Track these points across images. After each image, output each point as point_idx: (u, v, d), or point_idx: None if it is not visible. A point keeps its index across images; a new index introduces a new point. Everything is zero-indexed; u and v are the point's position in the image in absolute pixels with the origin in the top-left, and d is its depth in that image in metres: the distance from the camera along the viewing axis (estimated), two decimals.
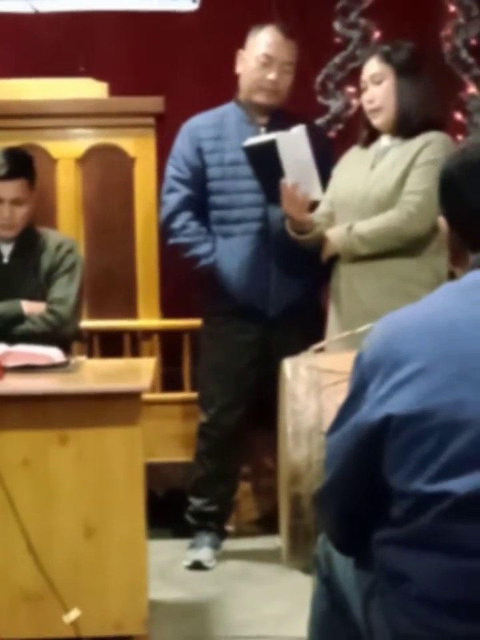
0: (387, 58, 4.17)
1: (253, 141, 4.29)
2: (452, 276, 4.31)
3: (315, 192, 4.28)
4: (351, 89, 5.21)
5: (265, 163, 4.24)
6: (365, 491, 2.06)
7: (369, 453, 1.99)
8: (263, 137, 4.30)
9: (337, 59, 5.26)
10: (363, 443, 1.99)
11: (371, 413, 1.96)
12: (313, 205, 4.31)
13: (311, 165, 4.24)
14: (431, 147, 4.09)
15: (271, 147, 4.20)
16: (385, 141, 4.23)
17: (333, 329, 4.21)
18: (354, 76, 5.06)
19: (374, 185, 4.14)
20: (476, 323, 1.94)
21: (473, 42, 5.27)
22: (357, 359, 2.07)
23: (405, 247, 4.11)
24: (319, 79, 5.26)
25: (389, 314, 2.09)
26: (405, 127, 4.15)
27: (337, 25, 5.25)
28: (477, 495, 1.84)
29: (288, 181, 4.21)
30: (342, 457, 2.08)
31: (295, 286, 4.55)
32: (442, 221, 2.17)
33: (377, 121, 4.20)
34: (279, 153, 4.18)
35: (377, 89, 4.17)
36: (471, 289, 2.02)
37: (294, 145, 4.22)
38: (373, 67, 4.20)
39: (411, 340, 1.97)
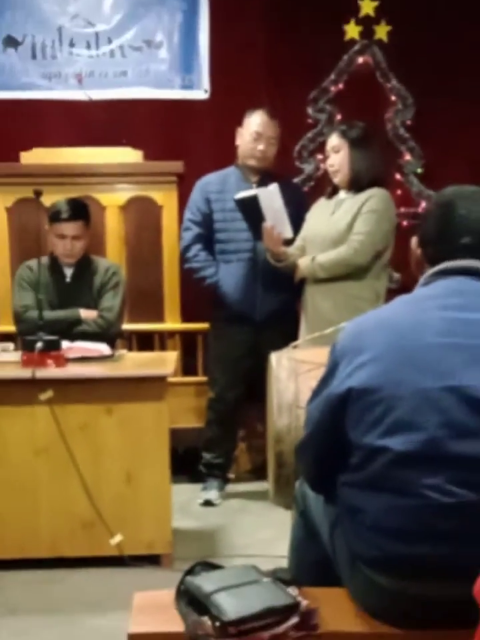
0: (343, 134, 4.16)
1: (241, 194, 4.29)
2: (391, 292, 4.34)
3: (286, 232, 4.29)
4: (319, 156, 5.19)
5: (251, 210, 4.26)
6: (332, 445, 2.06)
7: (336, 416, 2.00)
8: (249, 192, 4.29)
9: (309, 134, 5.25)
10: (332, 408, 2.01)
11: (338, 386, 1.99)
12: (288, 241, 4.31)
13: (283, 212, 4.25)
14: (373, 200, 4.08)
15: (254, 200, 4.22)
16: (342, 194, 4.21)
17: (303, 332, 4.21)
18: (322, 147, 5.03)
19: (332, 228, 4.13)
20: (417, 324, 1.96)
21: (408, 122, 5.26)
22: (332, 348, 2.10)
23: (352, 272, 4.09)
24: (296, 148, 5.24)
25: (356, 318, 2.12)
26: (356, 185, 4.14)
27: (310, 110, 5.24)
28: (410, 451, 1.85)
29: (267, 224, 4.22)
30: (317, 418, 2.10)
31: (275, 299, 4.54)
32: (414, 241, 2.19)
33: (336, 180, 4.19)
34: (260, 204, 4.20)
35: (336, 156, 4.16)
36: (417, 300, 2.05)
37: (270, 198, 4.22)
38: (333, 140, 4.19)
39: (370, 335, 2.00)
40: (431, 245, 2.11)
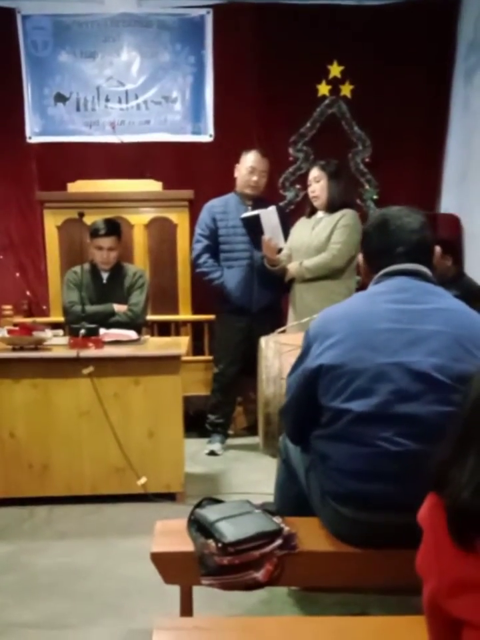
0: (322, 167, 4.14)
1: (246, 214, 4.30)
2: (359, 289, 4.35)
3: (281, 243, 4.28)
4: (298, 186, 5.18)
5: (253, 226, 4.25)
6: (307, 408, 2.07)
7: (310, 386, 2.01)
8: (252, 212, 4.29)
9: (290, 169, 5.23)
10: (307, 380, 2.02)
11: (311, 363, 1.99)
12: (280, 250, 4.30)
13: (279, 228, 4.25)
14: (346, 217, 4.07)
15: (256, 218, 4.22)
16: (320, 214, 4.19)
17: (291, 319, 4.20)
18: (300, 179, 5.06)
19: (314, 239, 4.12)
20: (371, 314, 1.96)
21: (367, 160, 5.25)
22: (306, 333, 2.11)
23: (330, 274, 4.09)
24: (281, 180, 5.23)
25: (325, 309, 2.12)
26: (331, 207, 4.12)
27: (291, 150, 5.22)
28: (366, 411, 1.87)
29: (266, 237, 4.22)
30: (295, 388, 2.10)
31: (267, 296, 4.51)
32: (360, 256, 2.18)
33: (316, 203, 4.17)
34: (261, 222, 4.20)
35: (317, 185, 4.14)
36: (371, 296, 2.05)
37: (269, 217, 4.22)
38: (314, 172, 4.17)
39: (335, 322, 2.00)
40: (375, 257, 2.11)
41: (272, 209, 4.25)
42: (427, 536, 1.33)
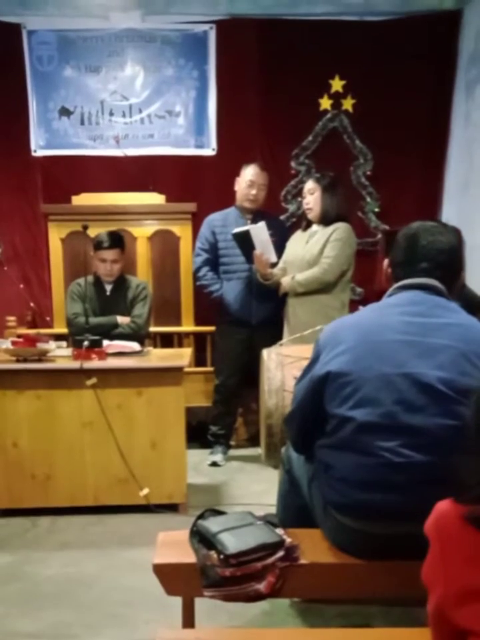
0: (317, 180, 4.15)
1: (236, 230, 4.30)
2: (355, 303, 4.34)
3: (272, 257, 4.29)
4: (300, 199, 5.17)
5: (244, 241, 4.27)
6: (313, 416, 2.07)
7: (317, 393, 2.02)
8: (243, 228, 4.29)
9: (292, 182, 5.22)
10: (314, 386, 2.02)
11: (320, 370, 2.00)
12: (273, 264, 4.30)
13: (269, 242, 4.26)
14: (338, 231, 4.08)
15: (247, 233, 4.24)
16: (314, 227, 4.20)
17: (286, 333, 4.21)
18: (302, 192, 5.05)
19: (307, 253, 4.12)
20: (381, 325, 1.97)
21: (368, 173, 5.25)
22: (316, 342, 2.12)
23: (323, 287, 4.09)
24: (282, 193, 5.23)
25: (337, 319, 2.15)
26: (325, 220, 4.13)
27: (293, 163, 5.22)
28: (371, 421, 1.87)
29: (257, 251, 4.23)
30: (302, 395, 2.10)
31: (266, 308, 4.51)
32: (386, 262, 2.18)
33: (310, 216, 4.18)
34: (251, 237, 4.22)
35: (311, 197, 4.15)
36: (383, 308, 2.06)
37: (259, 232, 4.24)
38: (309, 185, 4.18)
39: (345, 332, 2.01)
40: (398, 267, 2.11)
41: (261, 225, 4.27)
42: (433, 546, 1.32)
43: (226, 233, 4.53)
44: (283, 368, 3.04)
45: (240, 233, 4.27)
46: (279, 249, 4.33)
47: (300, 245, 4.21)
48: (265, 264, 4.27)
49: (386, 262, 2.19)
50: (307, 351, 2.32)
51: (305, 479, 2.22)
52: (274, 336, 4.01)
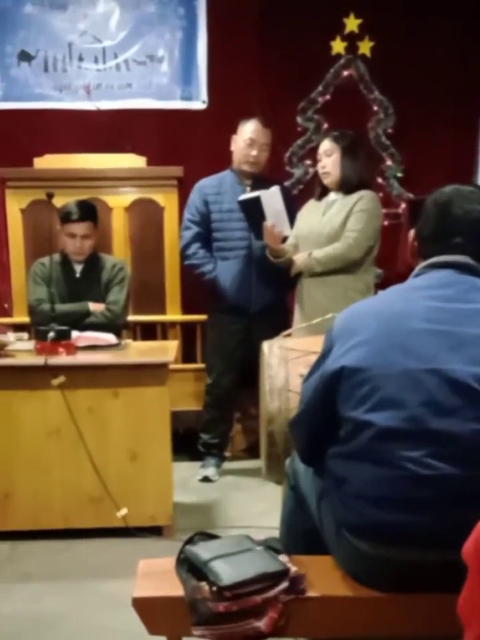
0: (336, 140, 4.14)
1: (244, 196, 4.28)
2: (377, 285, 4.34)
3: (286, 230, 4.27)
4: (308, 162, 5.18)
5: (253, 211, 4.23)
6: (323, 419, 2.06)
7: (329, 391, 2.01)
8: (251, 194, 4.27)
9: (299, 142, 5.23)
10: (326, 384, 2.01)
11: (332, 364, 1.99)
12: (285, 239, 4.29)
13: (283, 212, 4.23)
14: (363, 200, 4.07)
15: (256, 201, 4.20)
16: (332, 196, 4.19)
17: (297, 321, 4.20)
18: (310, 153, 5.05)
19: (325, 226, 4.12)
20: (406, 312, 1.96)
21: (389, 130, 5.24)
22: (328, 331, 2.11)
23: (346, 266, 4.08)
24: (287, 154, 5.23)
25: (352, 305, 2.13)
26: (346, 186, 4.12)
27: (299, 119, 5.22)
28: (393, 426, 1.85)
29: (268, 223, 4.20)
30: (311, 394, 2.10)
31: (268, 293, 4.53)
32: (411, 233, 2.17)
33: (327, 181, 4.17)
34: (262, 205, 4.19)
35: (328, 159, 4.14)
36: (407, 290, 2.05)
37: (272, 199, 4.21)
38: (326, 145, 4.17)
39: (362, 320, 2.00)
40: (426, 241, 2.10)
41: (275, 190, 4.24)
42: (472, 574, 1.32)
43: (221, 203, 4.52)
44: (287, 364, 3.03)
45: (248, 200, 4.25)
46: (289, 221, 4.31)
47: (315, 216, 4.21)
48: (278, 238, 4.26)
49: (411, 233, 2.18)
50: (316, 343, 2.32)
51: (313, 496, 2.22)
52: (276, 326, 3.98)
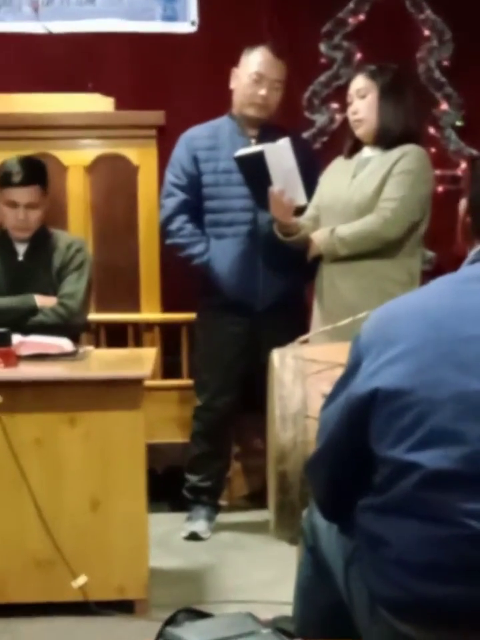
0: (372, 76, 4.15)
1: (242, 151, 4.27)
2: (424, 275, 4.35)
3: (300, 198, 4.25)
4: (334, 105, 5.20)
5: (254, 171, 4.22)
6: (351, 459, 2.06)
7: (356, 423, 2.00)
8: (252, 148, 4.28)
9: (322, 78, 5.25)
10: (352, 413, 2.01)
11: (361, 386, 1.98)
12: (299, 210, 4.29)
13: (296, 173, 4.22)
14: (407, 158, 4.07)
15: (259, 157, 4.18)
16: (366, 151, 4.21)
17: (316, 323, 4.20)
18: (338, 93, 5.07)
19: (355, 192, 4.12)
20: (461, 311, 1.95)
21: (445, 63, 5.26)
22: (354, 340, 2.09)
23: (381, 248, 4.08)
24: (306, 95, 5.25)
25: (384, 304, 2.11)
26: (385, 139, 4.13)
27: (323, 47, 5.24)
28: (447, 468, 1.85)
29: (275, 188, 4.18)
30: (333, 426, 2.10)
31: (281, 283, 4.53)
32: (462, 205, 2.17)
33: (360, 131, 4.18)
34: (266, 163, 4.17)
35: (361, 102, 4.15)
36: (463, 282, 2.04)
37: (280, 155, 4.20)
38: (359, 82, 4.19)
39: (403, 323, 1.99)
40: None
41: (284, 142, 4.23)
42: None
43: (216, 160, 4.54)
44: (304, 380, 3.05)
45: (247, 157, 4.25)
46: (306, 185, 4.30)
47: (343, 180, 4.21)
48: (288, 208, 4.25)
49: (463, 205, 2.18)
50: (342, 352, 2.32)
51: (339, 562, 2.23)
52: (291, 329, 4.00)
